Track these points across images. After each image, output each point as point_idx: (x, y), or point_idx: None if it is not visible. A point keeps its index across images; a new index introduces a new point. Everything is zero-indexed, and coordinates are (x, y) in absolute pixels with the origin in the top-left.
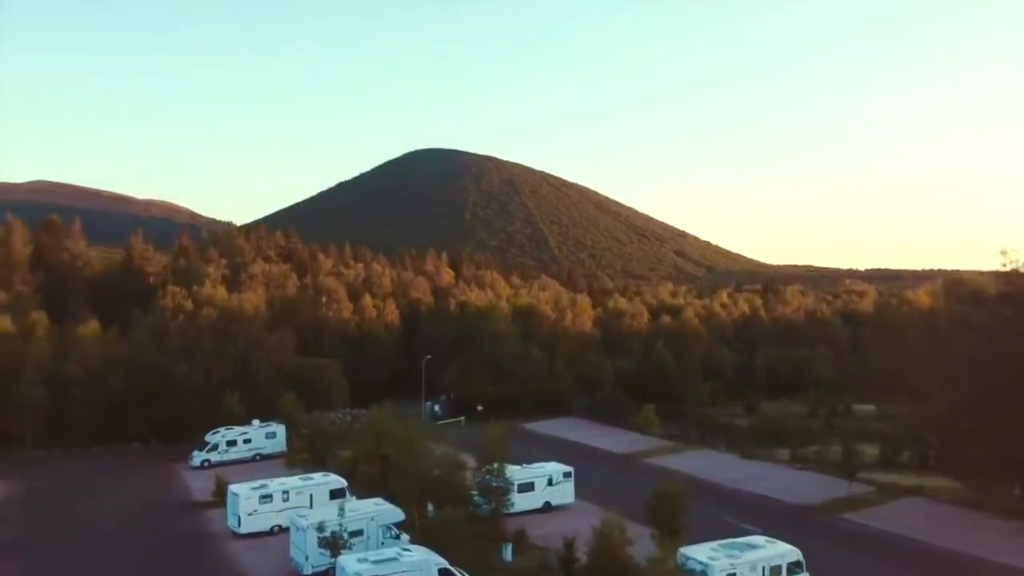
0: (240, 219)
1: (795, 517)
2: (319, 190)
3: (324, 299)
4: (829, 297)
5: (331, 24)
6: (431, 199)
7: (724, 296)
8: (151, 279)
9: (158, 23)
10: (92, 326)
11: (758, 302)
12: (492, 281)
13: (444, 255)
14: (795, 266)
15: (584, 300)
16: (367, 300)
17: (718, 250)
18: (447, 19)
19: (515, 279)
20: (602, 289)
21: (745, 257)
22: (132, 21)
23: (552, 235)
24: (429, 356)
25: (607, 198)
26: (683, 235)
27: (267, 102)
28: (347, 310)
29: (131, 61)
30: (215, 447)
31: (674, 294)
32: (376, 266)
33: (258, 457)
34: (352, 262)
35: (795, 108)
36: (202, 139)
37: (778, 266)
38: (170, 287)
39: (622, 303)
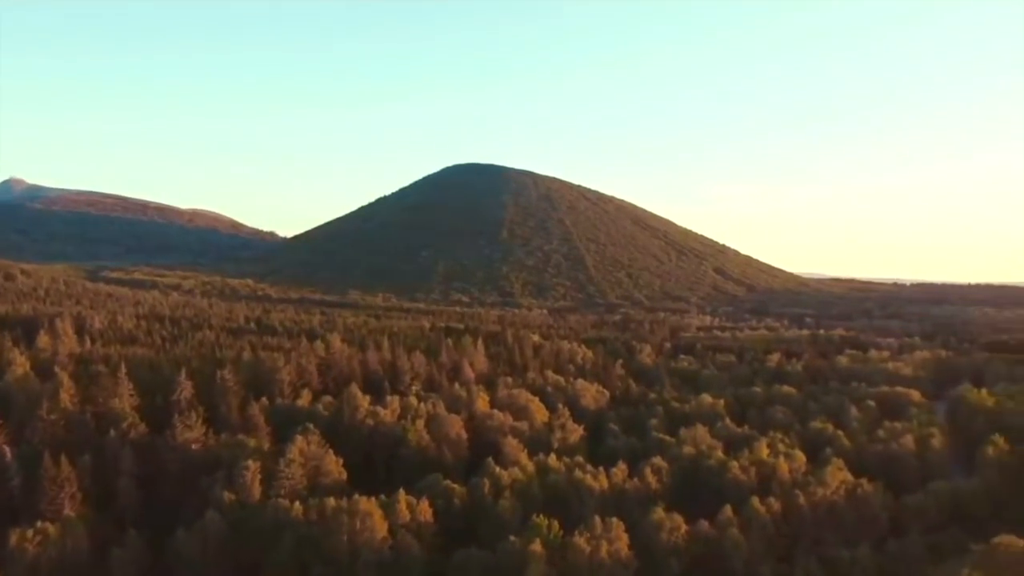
0: (283, 230)
1: None
2: (360, 204)
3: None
4: None
5: (368, 34)
6: (469, 216)
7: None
8: (194, 446)
9: (156, 35)
10: None
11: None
12: (526, 402)
13: (480, 344)
14: (837, 280)
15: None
16: (401, 502)
17: (759, 266)
18: (483, 28)
19: (555, 388)
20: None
21: (786, 272)
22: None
23: (589, 254)
24: None
25: (645, 211)
26: (723, 250)
27: (307, 114)
28: (380, 530)
29: (166, 67)
30: None
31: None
32: (412, 399)
33: None
34: (389, 396)
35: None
36: (245, 148)
37: (820, 280)
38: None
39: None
